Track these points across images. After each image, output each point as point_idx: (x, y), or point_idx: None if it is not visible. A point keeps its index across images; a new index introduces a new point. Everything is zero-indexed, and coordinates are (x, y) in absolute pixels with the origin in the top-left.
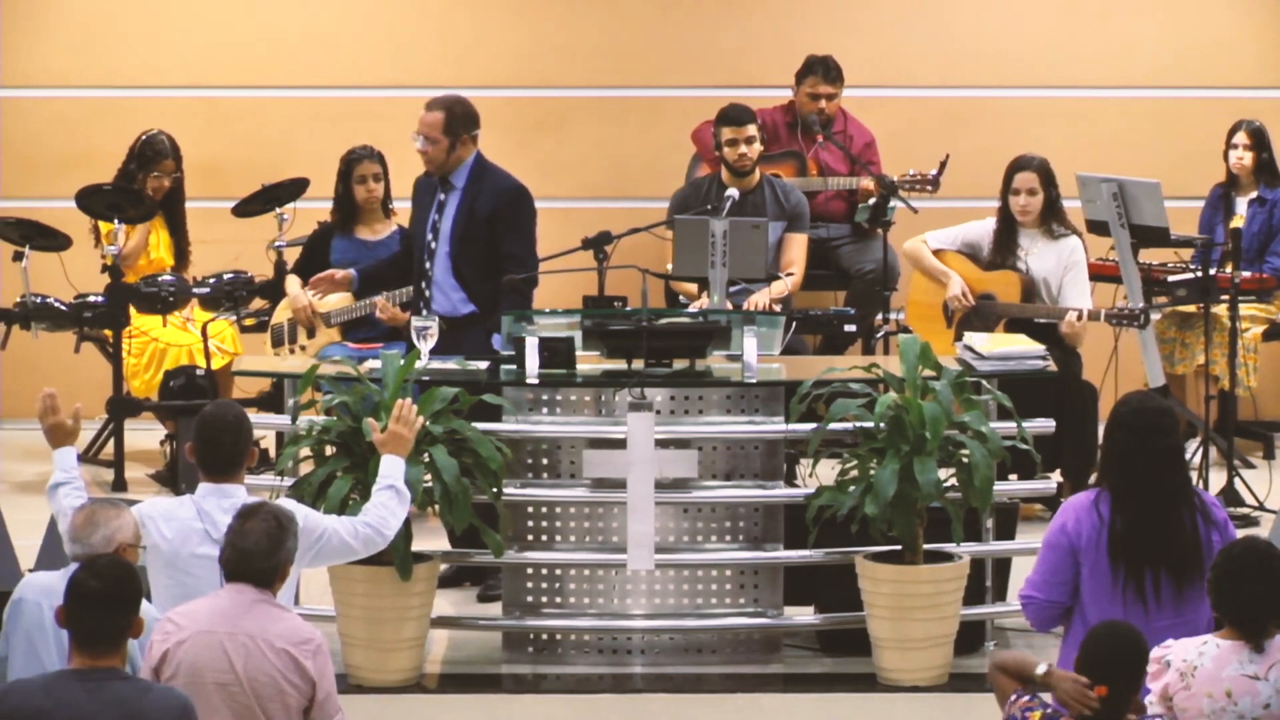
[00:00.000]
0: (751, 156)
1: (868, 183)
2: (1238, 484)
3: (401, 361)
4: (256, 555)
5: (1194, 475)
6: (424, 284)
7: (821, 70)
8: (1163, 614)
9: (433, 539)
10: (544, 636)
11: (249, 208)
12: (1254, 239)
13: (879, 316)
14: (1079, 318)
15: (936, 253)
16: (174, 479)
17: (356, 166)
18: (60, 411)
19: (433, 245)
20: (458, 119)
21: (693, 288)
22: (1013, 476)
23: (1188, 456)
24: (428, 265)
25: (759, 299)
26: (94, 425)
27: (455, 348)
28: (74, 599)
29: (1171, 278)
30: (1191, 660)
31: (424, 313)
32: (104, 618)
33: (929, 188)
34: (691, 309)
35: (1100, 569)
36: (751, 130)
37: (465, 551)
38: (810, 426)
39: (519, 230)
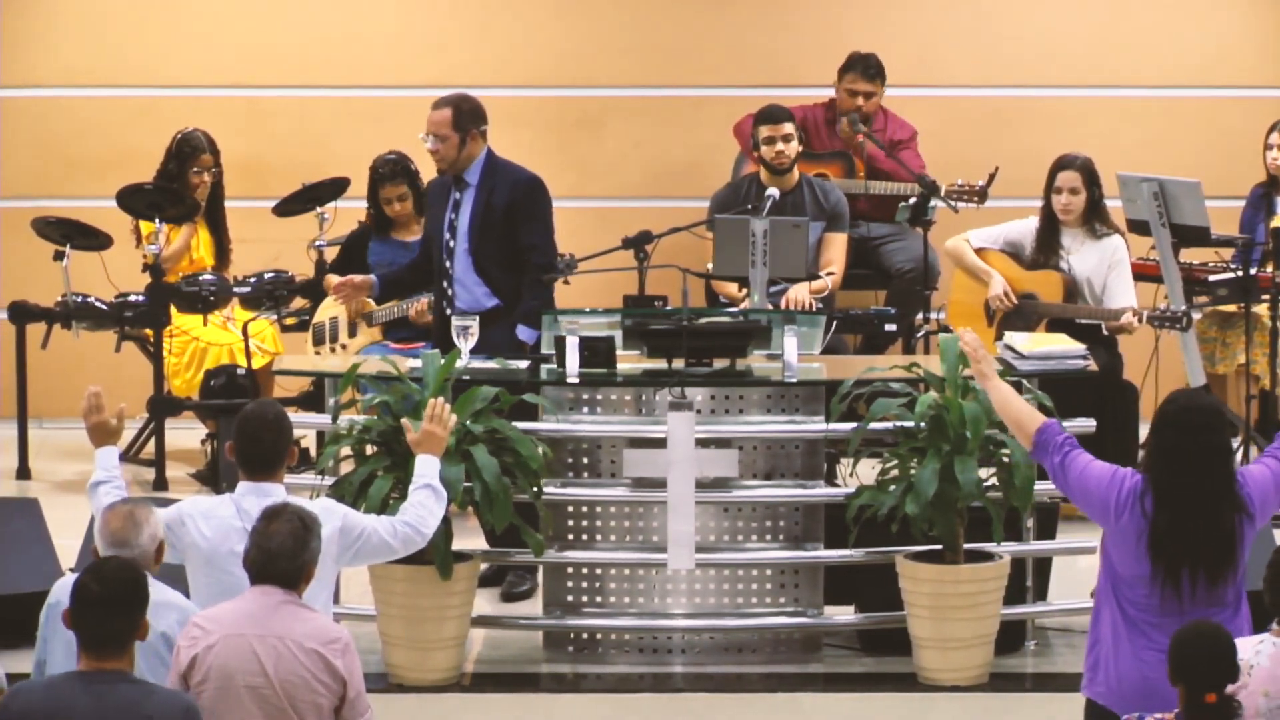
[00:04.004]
0: (789, 154)
1: (908, 188)
2: None
3: (442, 361)
4: (281, 556)
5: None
6: (446, 283)
7: (861, 67)
8: (1196, 605)
9: (473, 538)
10: (584, 636)
11: (290, 207)
12: None
13: (919, 316)
14: (1139, 319)
15: (978, 252)
16: (215, 478)
17: (380, 189)
18: (104, 410)
19: (451, 244)
20: (465, 114)
21: (734, 289)
22: None
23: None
24: (448, 264)
25: (798, 293)
26: (135, 424)
27: (481, 342)
28: (78, 602)
29: (1212, 277)
30: (1248, 658)
31: (449, 312)
32: (108, 621)
33: (976, 199)
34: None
35: (1140, 560)
36: (788, 128)
37: (506, 551)
38: (851, 426)
39: (538, 219)
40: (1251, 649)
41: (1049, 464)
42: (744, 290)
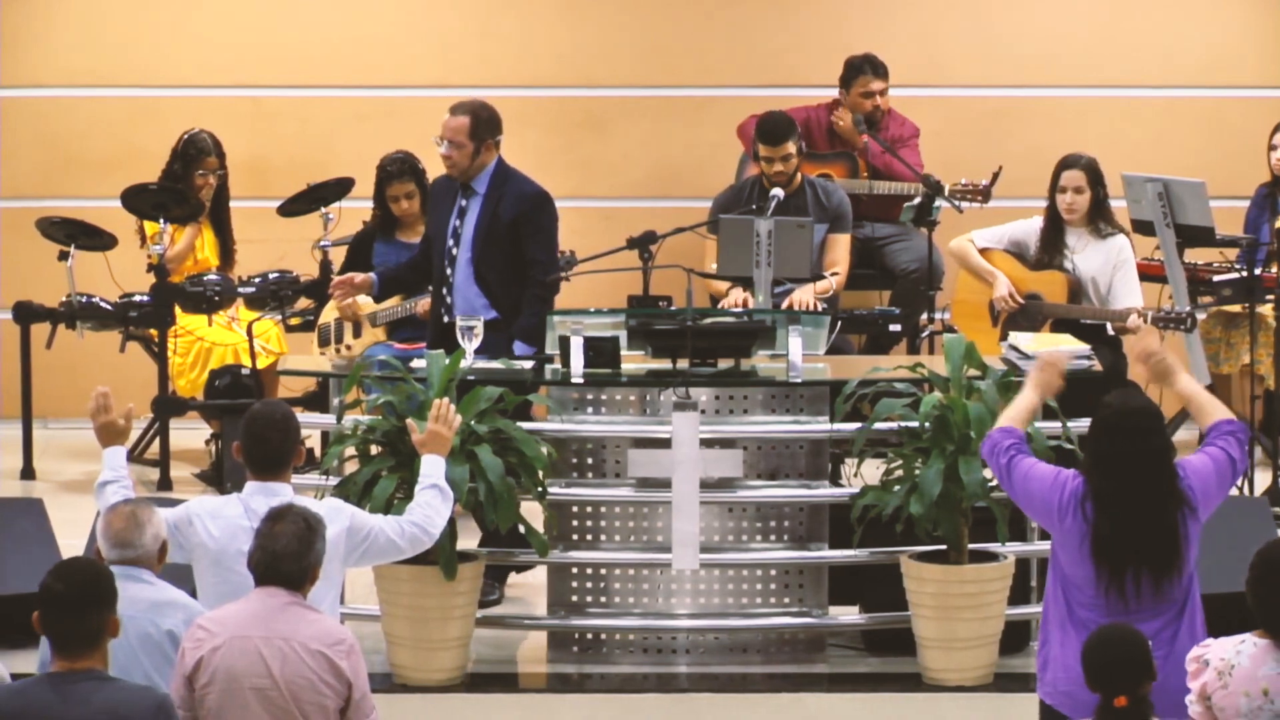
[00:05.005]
0: (787, 173)
1: (912, 188)
2: None
3: (446, 361)
4: (286, 558)
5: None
6: (445, 290)
7: (870, 68)
8: (1142, 605)
9: (479, 539)
10: (589, 636)
11: (294, 207)
12: None
13: (924, 316)
14: (1145, 320)
15: (983, 252)
16: (219, 478)
17: (388, 187)
18: (112, 410)
19: (453, 251)
20: (483, 124)
21: (720, 285)
22: None
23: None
24: (448, 271)
25: (802, 296)
26: (139, 425)
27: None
28: (45, 605)
29: (1217, 277)
30: (1229, 659)
31: (446, 319)
32: (76, 621)
33: (979, 199)
34: (723, 305)
35: (1085, 563)
36: (788, 148)
37: (510, 551)
38: (855, 426)
39: (543, 234)
40: (1232, 649)
41: (994, 465)
42: (729, 286)
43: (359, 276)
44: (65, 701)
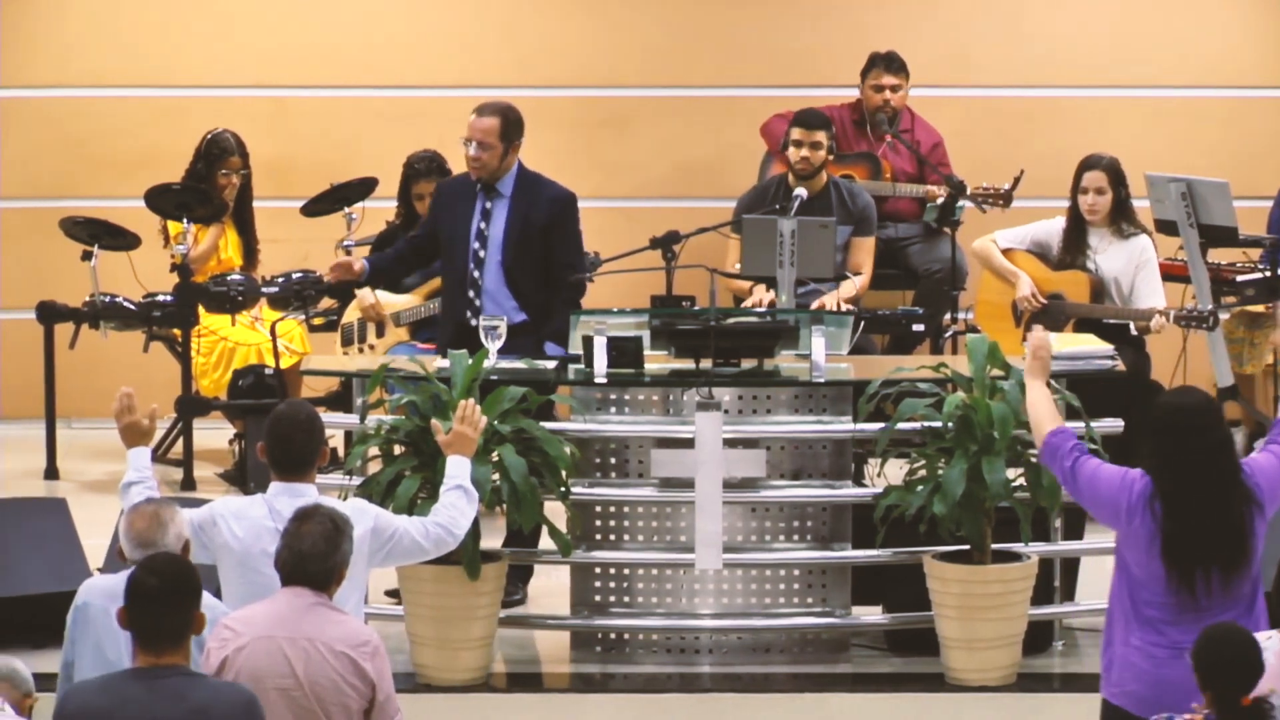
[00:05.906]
0: (814, 161)
1: (936, 190)
2: None
3: (469, 361)
4: (313, 558)
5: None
6: (473, 292)
7: (884, 63)
8: (1212, 603)
9: (502, 539)
10: (612, 636)
11: (317, 207)
12: None
13: (947, 316)
14: (1167, 319)
15: (1005, 252)
16: (242, 478)
17: (414, 184)
18: (136, 411)
19: (481, 254)
20: (512, 125)
21: (743, 284)
22: None
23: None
24: (476, 274)
25: (828, 300)
26: (163, 425)
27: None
28: (135, 599)
29: (1240, 277)
30: None
31: (473, 321)
32: (166, 615)
33: (1001, 202)
34: (746, 304)
35: (1154, 562)
36: (820, 136)
37: (533, 551)
38: (878, 426)
39: (573, 237)
40: (1259, 644)
41: (1058, 469)
42: (751, 285)
43: (357, 263)
44: (156, 698)
